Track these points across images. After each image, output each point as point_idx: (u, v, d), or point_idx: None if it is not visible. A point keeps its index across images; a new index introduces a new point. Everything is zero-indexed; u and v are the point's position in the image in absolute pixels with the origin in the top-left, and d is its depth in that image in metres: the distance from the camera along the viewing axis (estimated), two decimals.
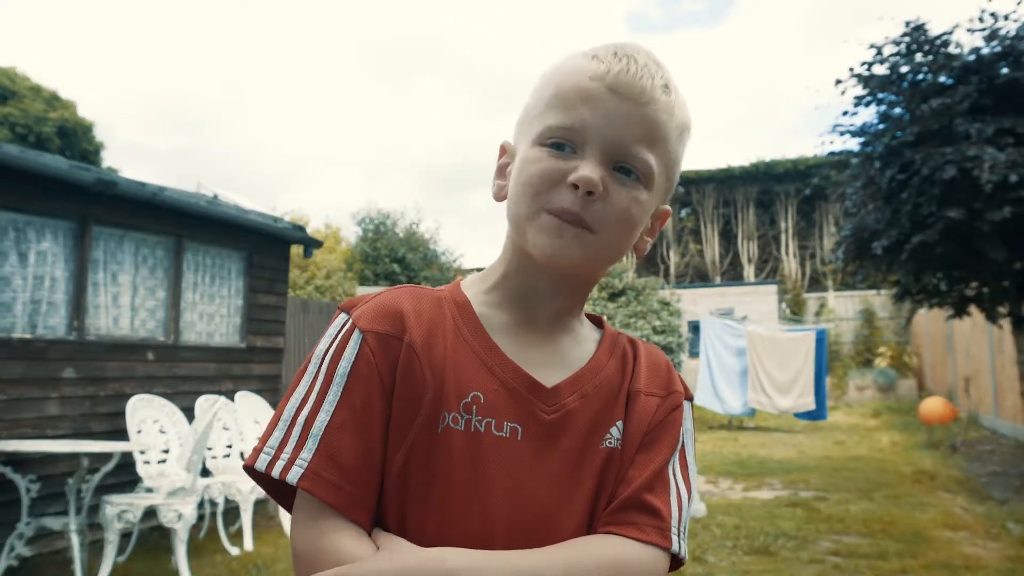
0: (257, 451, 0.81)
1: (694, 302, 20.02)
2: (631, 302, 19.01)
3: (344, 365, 0.81)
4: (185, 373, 6.27)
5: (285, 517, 5.94)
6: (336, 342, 0.83)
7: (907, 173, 7.10)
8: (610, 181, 0.82)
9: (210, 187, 7.70)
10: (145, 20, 75.28)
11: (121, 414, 5.37)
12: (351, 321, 0.84)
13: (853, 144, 8.31)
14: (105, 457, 4.67)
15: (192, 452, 4.82)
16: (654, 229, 0.91)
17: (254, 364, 7.04)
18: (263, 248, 7.16)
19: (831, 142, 8.53)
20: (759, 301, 20.19)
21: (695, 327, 16.63)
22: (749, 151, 52.94)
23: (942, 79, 7.24)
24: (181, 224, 6.24)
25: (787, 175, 29.54)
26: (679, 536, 0.85)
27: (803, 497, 7.27)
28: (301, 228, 7.69)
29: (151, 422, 5.49)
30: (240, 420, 6.25)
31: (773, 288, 21.24)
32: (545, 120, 0.84)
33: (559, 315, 0.90)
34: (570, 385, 0.86)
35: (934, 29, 7.55)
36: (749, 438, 12.42)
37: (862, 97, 7.92)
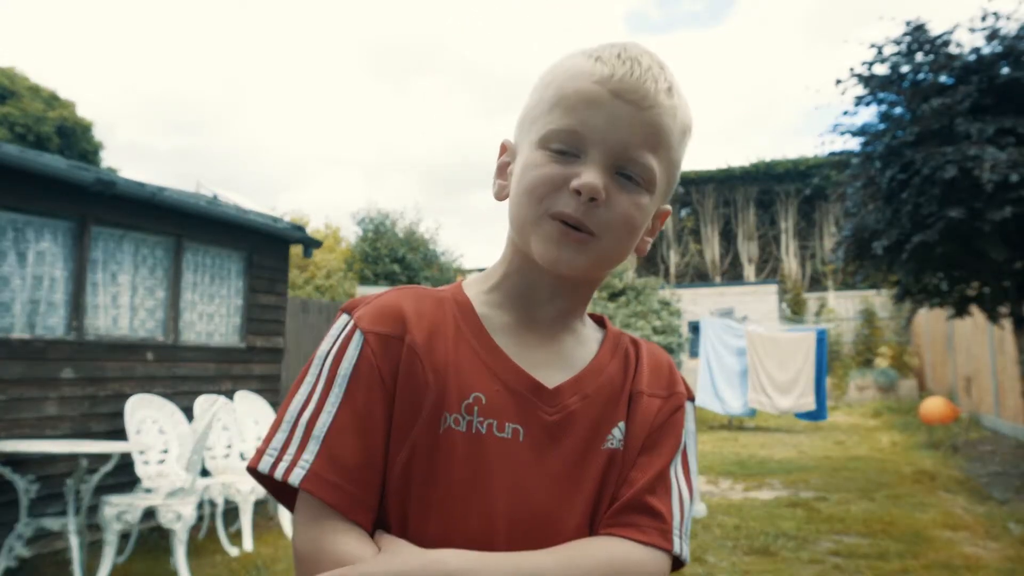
0: (260, 453, 0.81)
1: (694, 302, 20.01)
2: (631, 302, 18.99)
3: (346, 366, 0.81)
4: (185, 373, 6.26)
5: (285, 517, 5.93)
6: (338, 343, 0.83)
7: (907, 173, 7.09)
8: (612, 187, 0.81)
9: (210, 187, 7.70)
10: (145, 20, 75.30)
11: (120, 414, 5.37)
12: (353, 322, 0.84)
13: (853, 144, 8.30)
14: (104, 457, 4.66)
15: (192, 452, 4.81)
16: (654, 229, 0.91)
17: (254, 364, 7.03)
18: (263, 248, 7.15)
19: (831, 142, 8.54)
20: (759, 301, 20.19)
21: (695, 327, 16.62)
22: (749, 151, 52.92)
23: (943, 79, 7.24)
24: (181, 224, 6.23)
25: (787, 175, 29.52)
26: (680, 538, 0.85)
27: (803, 497, 7.26)
28: (301, 228, 7.69)
29: (150, 422, 5.48)
30: (240, 420, 6.25)
31: (773, 288, 21.23)
32: (547, 123, 0.83)
33: (561, 316, 0.90)
34: (572, 386, 0.86)
35: (934, 29, 7.54)
36: (749, 438, 12.42)
37: (862, 97, 7.91)
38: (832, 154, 8.69)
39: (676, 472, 0.88)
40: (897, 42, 7.66)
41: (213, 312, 6.66)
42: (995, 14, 7.29)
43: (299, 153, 66.26)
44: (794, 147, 58.91)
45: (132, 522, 4.57)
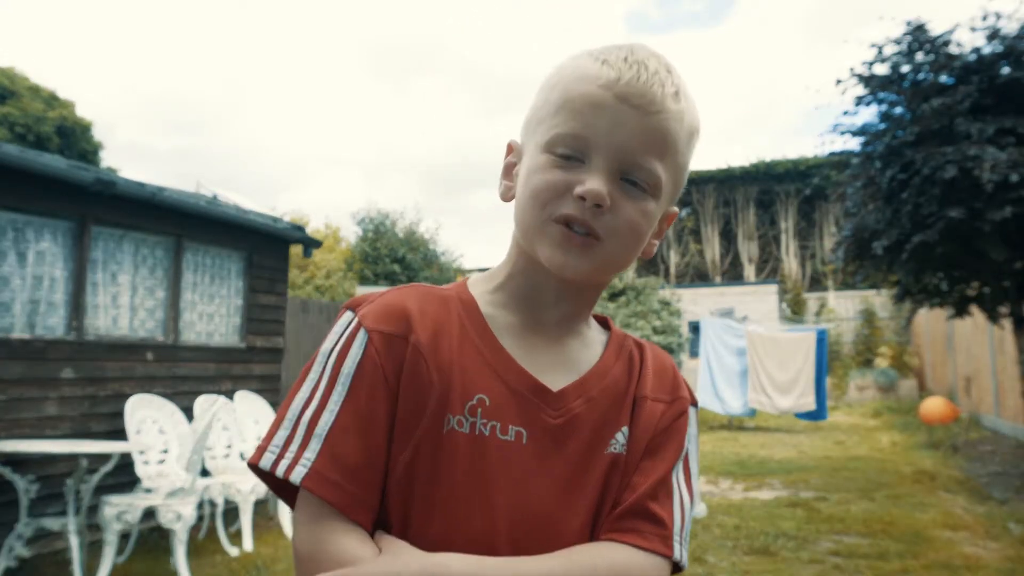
0: (262, 449, 0.81)
1: (694, 302, 20.02)
2: (631, 302, 19.00)
3: (349, 365, 0.81)
4: (185, 373, 6.26)
5: (285, 517, 5.93)
6: (342, 341, 0.83)
7: (908, 173, 7.09)
8: (617, 193, 0.81)
9: (210, 187, 7.69)
10: (145, 20, 75.32)
11: (120, 414, 5.37)
12: (357, 320, 0.84)
13: (853, 144, 8.30)
14: (104, 457, 4.66)
15: (192, 452, 4.81)
16: (660, 231, 0.91)
17: (254, 364, 7.03)
18: (263, 248, 7.15)
19: (831, 142, 8.56)
20: (759, 301, 20.19)
21: (695, 327, 16.62)
22: (749, 151, 52.98)
23: (943, 79, 7.23)
24: (181, 224, 6.23)
25: (787, 175, 29.52)
26: (680, 543, 0.85)
27: (803, 497, 7.26)
28: (301, 228, 7.69)
29: (150, 422, 5.48)
30: (240, 420, 6.25)
31: (773, 288, 21.23)
32: (553, 126, 0.83)
33: (566, 318, 0.90)
34: (576, 389, 0.86)
35: (935, 29, 7.54)
36: (749, 438, 12.42)
37: (863, 97, 7.91)
38: (832, 154, 8.69)
39: (677, 477, 0.88)
40: (897, 42, 7.65)
41: (213, 312, 6.66)
42: (995, 14, 7.29)
43: (299, 153, 66.33)
44: (794, 147, 58.96)
45: (132, 522, 4.57)
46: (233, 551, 5.32)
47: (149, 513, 4.74)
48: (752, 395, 12.71)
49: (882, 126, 7.84)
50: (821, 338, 12.85)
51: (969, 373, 13.80)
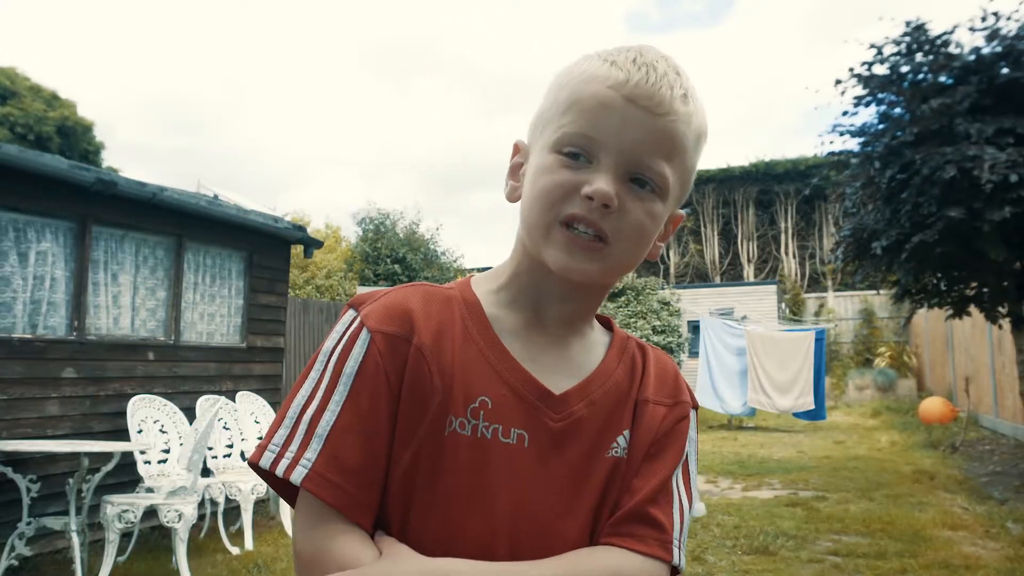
0: (262, 448, 0.81)
1: (694, 302, 20.02)
2: (631, 302, 19.00)
3: (351, 365, 0.81)
4: (185, 373, 6.27)
5: (286, 517, 5.94)
6: (344, 340, 0.83)
7: (907, 173, 7.09)
8: (625, 194, 0.80)
9: (210, 187, 7.70)
10: (145, 20, 75.33)
11: (122, 414, 5.38)
12: (359, 319, 0.83)
13: (853, 144, 8.30)
14: (105, 457, 4.67)
15: (193, 452, 4.82)
16: (667, 233, 0.90)
17: (254, 364, 7.04)
18: (263, 248, 7.16)
19: (831, 142, 8.52)
20: (759, 301, 20.19)
21: (695, 327, 16.64)
22: (749, 151, 52.86)
23: (942, 79, 7.24)
24: (181, 224, 6.24)
25: (787, 175, 29.52)
26: (679, 548, 0.85)
27: (803, 497, 7.27)
28: (301, 228, 7.69)
29: (152, 422, 5.49)
30: (240, 420, 6.26)
31: (773, 288, 21.23)
32: (561, 126, 0.82)
33: (570, 319, 0.89)
34: (578, 392, 0.86)
35: (934, 29, 7.55)
36: (749, 438, 12.43)
37: (862, 97, 7.91)
38: (832, 154, 8.68)
39: (677, 481, 0.88)
40: (897, 42, 7.66)
41: (214, 312, 6.67)
42: (995, 14, 7.30)
43: (299, 153, 66.24)
44: (794, 147, 58.89)
45: (133, 521, 4.58)
46: (234, 550, 5.34)
47: (150, 512, 4.76)
48: (751, 395, 12.73)
49: (881, 126, 7.84)
50: (820, 338, 12.87)
51: (968, 373, 13.81)
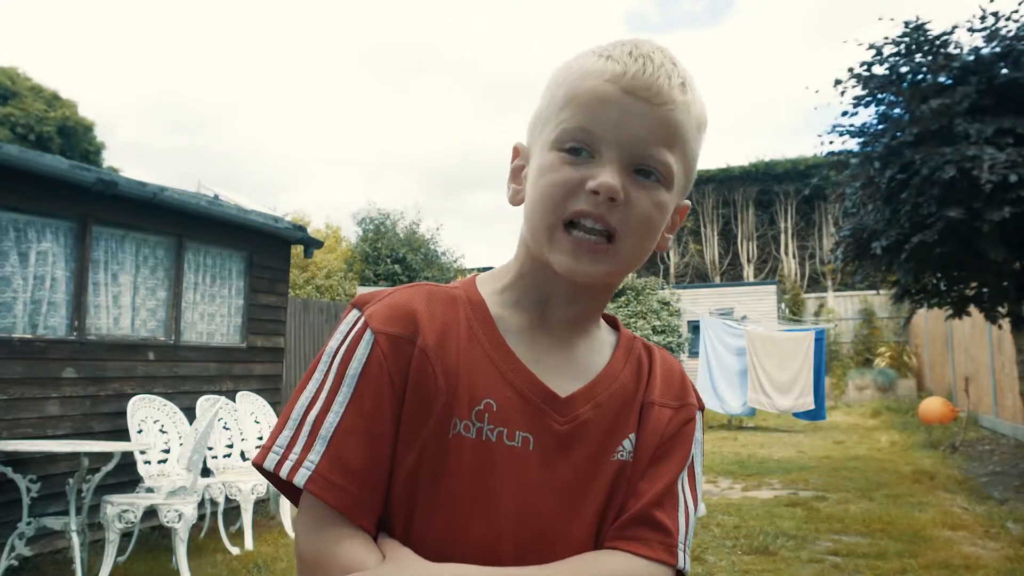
0: (266, 449, 0.81)
1: (694, 302, 20.04)
2: (631, 302, 19.01)
3: (355, 366, 0.80)
4: (186, 373, 6.27)
5: (286, 516, 5.94)
6: (348, 341, 0.82)
7: (907, 173, 7.09)
8: (630, 186, 0.80)
9: (210, 187, 7.71)
10: (145, 20, 75.32)
11: (122, 414, 5.38)
12: (363, 319, 0.83)
13: (853, 144, 8.30)
14: (105, 457, 4.67)
15: (193, 452, 4.83)
16: (674, 225, 0.90)
17: (255, 364, 7.05)
18: (264, 248, 7.16)
19: (831, 142, 8.53)
20: (759, 301, 20.20)
21: (695, 327, 16.65)
22: (749, 151, 52.88)
23: (942, 79, 7.24)
24: (182, 224, 6.25)
25: (787, 175, 29.54)
26: (684, 551, 0.85)
27: (803, 497, 7.27)
28: (302, 228, 7.70)
29: (152, 422, 5.50)
30: (241, 420, 6.26)
31: (773, 288, 21.24)
32: (560, 123, 0.82)
33: (576, 319, 0.89)
34: (584, 395, 0.85)
35: (934, 29, 7.55)
36: (749, 438, 12.43)
37: (862, 97, 7.91)
38: (831, 154, 8.68)
39: (683, 483, 0.88)
40: (896, 43, 7.66)
41: (214, 312, 6.67)
42: (995, 14, 7.30)
43: (299, 153, 66.21)
44: (794, 147, 58.88)
45: (133, 521, 4.58)
46: (234, 550, 5.34)
47: (150, 512, 4.76)
48: (751, 395, 12.73)
49: (881, 126, 7.85)
50: (820, 338, 12.87)
51: (968, 373, 13.81)
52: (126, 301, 5.88)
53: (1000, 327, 8.77)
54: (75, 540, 4.38)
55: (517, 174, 0.90)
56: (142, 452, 5.17)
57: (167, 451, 5.44)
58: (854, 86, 7.93)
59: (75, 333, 5.43)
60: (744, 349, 12.94)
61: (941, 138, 6.97)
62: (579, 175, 0.80)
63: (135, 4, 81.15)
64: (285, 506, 5.99)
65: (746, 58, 65.18)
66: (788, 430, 13.49)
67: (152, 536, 5.54)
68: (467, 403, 0.80)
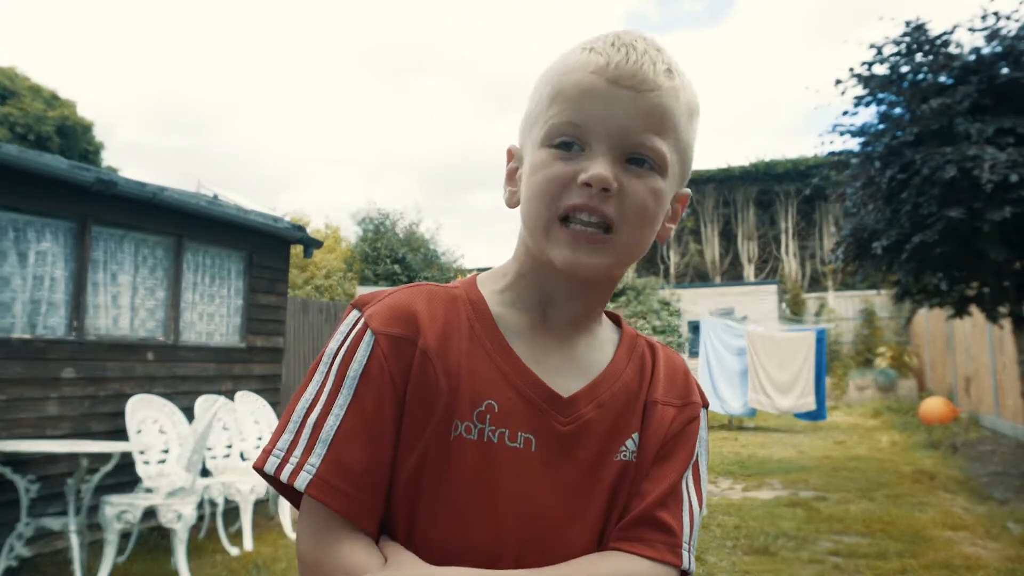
0: (267, 452, 0.80)
1: (694, 302, 20.02)
2: (631, 302, 19.01)
3: (356, 368, 0.80)
4: (185, 373, 6.27)
5: (285, 517, 5.94)
6: (348, 342, 0.81)
7: (907, 173, 7.09)
8: (623, 175, 0.79)
9: (210, 187, 7.70)
10: (145, 20, 75.35)
11: (121, 414, 5.37)
12: (363, 320, 0.82)
13: (853, 144, 8.30)
14: (105, 457, 4.67)
15: (192, 452, 4.82)
16: (675, 214, 0.89)
17: (254, 364, 7.04)
18: (263, 248, 7.15)
19: (831, 142, 8.53)
20: (759, 301, 20.20)
21: (695, 327, 16.64)
22: (749, 151, 52.86)
23: (942, 79, 7.24)
24: (181, 224, 6.24)
25: (787, 175, 29.53)
26: (689, 551, 0.84)
27: (803, 497, 7.27)
28: (301, 228, 7.69)
29: (151, 422, 5.48)
30: (240, 420, 6.25)
31: (773, 288, 21.24)
32: (548, 119, 0.82)
33: (578, 316, 0.88)
34: (587, 394, 0.84)
35: (934, 29, 7.55)
36: (749, 438, 12.42)
37: (862, 97, 7.91)
38: (832, 154, 8.68)
39: (687, 484, 0.87)
40: (897, 42, 7.66)
41: (213, 312, 6.67)
42: (995, 14, 7.30)
43: (299, 153, 66.22)
44: (794, 147, 58.91)
45: (133, 522, 4.58)
46: (233, 551, 5.33)
47: (149, 513, 4.75)
48: (752, 395, 12.73)
49: (881, 126, 7.84)
50: (820, 338, 12.87)
51: (969, 373, 13.81)
52: (125, 301, 5.88)
53: (1001, 327, 8.77)
54: (74, 541, 4.37)
55: (512, 176, 0.90)
56: (141, 452, 5.16)
57: (166, 451, 5.43)
58: (854, 86, 7.93)
59: (74, 333, 5.42)
60: (744, 349, 12.94)
61: (942, 138, 6.97)
62: (571, 169, 0.79)
63: (135, 4, 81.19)
64: (284, 507, 5.98)
65: (746, 58, 65.22)
66: (788, 430, 13.48)
67: (151, 537, 5.53)
68: (468, 404, 0.80)
